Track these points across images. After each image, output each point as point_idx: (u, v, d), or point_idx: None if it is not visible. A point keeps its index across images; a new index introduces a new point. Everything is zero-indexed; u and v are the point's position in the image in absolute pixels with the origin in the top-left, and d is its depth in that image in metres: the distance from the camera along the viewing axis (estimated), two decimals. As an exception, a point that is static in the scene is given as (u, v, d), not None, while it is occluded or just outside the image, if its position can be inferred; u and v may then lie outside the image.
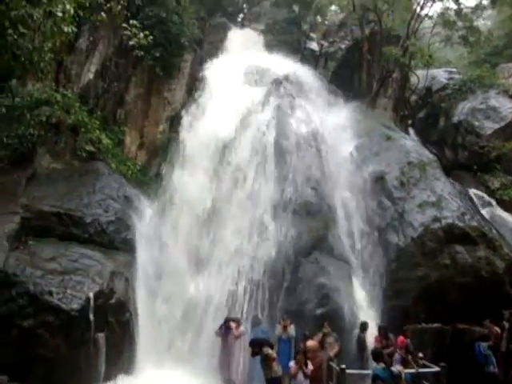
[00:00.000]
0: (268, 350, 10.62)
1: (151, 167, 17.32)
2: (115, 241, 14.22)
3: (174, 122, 18.60)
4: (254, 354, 11.23)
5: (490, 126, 22.48)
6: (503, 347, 13.51)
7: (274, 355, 10.65)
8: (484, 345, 13.30)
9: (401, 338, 12.57)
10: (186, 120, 18.41)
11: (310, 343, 11.59)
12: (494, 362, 12.91)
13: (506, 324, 14.17)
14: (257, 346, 10.79)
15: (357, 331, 13.03)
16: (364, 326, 12.99)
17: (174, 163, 17.08)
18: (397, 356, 12.08)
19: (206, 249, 15.02)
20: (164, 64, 18.49)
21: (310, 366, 10.11)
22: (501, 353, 13.20)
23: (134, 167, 16.95)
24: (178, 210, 16.04)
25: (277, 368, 10.49)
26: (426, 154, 18.11)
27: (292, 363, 10.17)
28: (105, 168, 15.81)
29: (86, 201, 14.44)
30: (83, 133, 15.73)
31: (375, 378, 9.26)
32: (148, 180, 16.97)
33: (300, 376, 9.93)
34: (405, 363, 11.84)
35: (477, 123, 22.52)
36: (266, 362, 10.51)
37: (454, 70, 27.79)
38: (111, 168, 16.05)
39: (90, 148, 15.72)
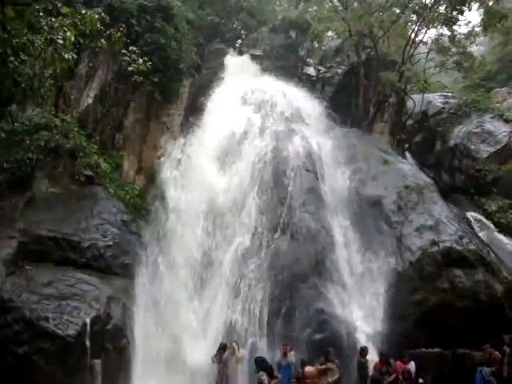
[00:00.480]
0: (262, 376, 10.45)
1: (149, 191, 17.30)
2: (113, 266, 14.18)
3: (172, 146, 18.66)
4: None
5: (485, 150, 22.65)
6: (505, 372, 13.37)
7: (266, 382, 10.41)
8: (487, 370, 13.17)
9: (398, 363, 12.42)
10: (183, 145, 18.49)
11: (308, 369, 11.38)
12: (496, 388, 12.84)
13: (507, 349, 14.06)
14: (259, 366, 10.47)
15: (356, 357, 12.89)
16: (364, 351, 12.84)
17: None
18: None
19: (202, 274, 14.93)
20: (163, 89, 18.70)
21: None
22: (502, 378, 13.07)
23: (132, 191, 16.95)
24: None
25: None
26: (423, 178, 18.23)
27: None
28: (103, 192, 15.84)
29: (84, 225, 14.43)
30: (81, 157, 15.79)
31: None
32: (146, 204, 16.93)
33: None
34: None
35: (473, 147, 22.68)
36: None
37: (450, 94, 28.10)
38: (109, 192, 16.07)
39: (88, 172, 15.76)
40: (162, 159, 18.10)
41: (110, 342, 12.64)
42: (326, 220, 15.76)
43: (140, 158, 18.51)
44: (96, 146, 16.59)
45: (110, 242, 14.41)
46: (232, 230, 15.45)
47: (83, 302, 12.50)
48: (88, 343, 11.92)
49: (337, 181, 17.40)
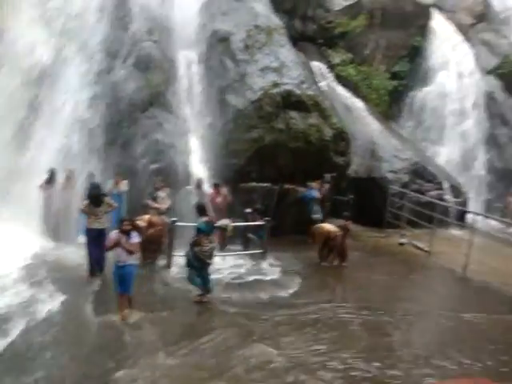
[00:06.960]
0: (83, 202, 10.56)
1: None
2: None
3: None
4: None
5: (339, 3, 22.93)
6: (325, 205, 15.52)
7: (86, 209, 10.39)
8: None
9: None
10: None
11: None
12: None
13: (326, 185, 16.09)
14: (93, 198, 10.36)
15: (190, 187, 13.39)
16: (199, 182, 13.37)
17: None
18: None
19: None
20: None
21: (136, 240, 8.60)
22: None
23: None
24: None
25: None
26: (275, 21, 17.67)
27: (114, 234, 8.64)
28: None
29: None
30: None
31: (198, 231, 9.60)
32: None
33: (119, 250, 8.53)
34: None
35: (328, -3, 22.66)
36: None
37: None
38: None
39: None
40: None
41: None
42: (171, 50, 14.83)
43: None
44: None
45: None
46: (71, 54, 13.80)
47: None
48: None
49: (188, 11, 16.08)
